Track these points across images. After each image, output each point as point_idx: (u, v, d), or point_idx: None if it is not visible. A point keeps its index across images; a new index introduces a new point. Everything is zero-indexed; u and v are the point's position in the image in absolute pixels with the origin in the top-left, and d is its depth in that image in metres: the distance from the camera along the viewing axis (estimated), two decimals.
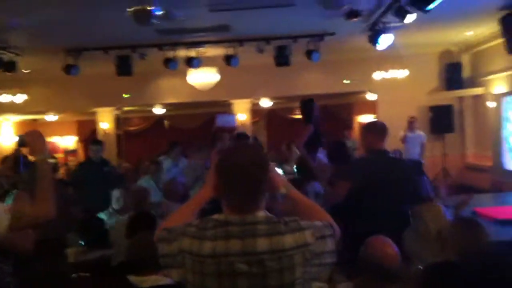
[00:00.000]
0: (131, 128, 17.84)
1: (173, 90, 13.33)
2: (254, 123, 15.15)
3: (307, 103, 6.40)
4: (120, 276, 3.16)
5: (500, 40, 9.79)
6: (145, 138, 17.70)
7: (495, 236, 4.93)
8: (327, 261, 1.82)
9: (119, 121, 15.90)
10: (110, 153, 13.02)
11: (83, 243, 5.31)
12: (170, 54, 10.17)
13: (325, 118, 17.84)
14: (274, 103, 16.06)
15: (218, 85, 11.76)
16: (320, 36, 9.92)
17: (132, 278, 3.05)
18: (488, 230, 2.92)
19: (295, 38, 9.82)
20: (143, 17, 7.04)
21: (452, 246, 2.89)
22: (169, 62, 10.19)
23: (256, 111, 15.74)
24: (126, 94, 13.25)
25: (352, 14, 7.91)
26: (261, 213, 1.80)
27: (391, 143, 11.25)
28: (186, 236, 1.80)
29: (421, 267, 3.05)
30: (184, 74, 11.47)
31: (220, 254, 1.72)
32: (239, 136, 7.38)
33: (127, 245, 3.45)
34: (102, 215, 6.12)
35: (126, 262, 3.38)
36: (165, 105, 15.32)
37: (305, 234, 1.76)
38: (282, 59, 10.24)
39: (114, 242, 4.77)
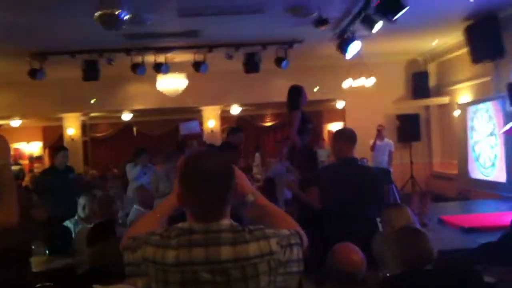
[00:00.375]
0: (98, 135, 17.58)
1: (141, 96, 13.19)
2: (223, 130, 15.13)
3: (294, 90, 6.46)
4: (85, 285, 3.09)
5: (465, 50, 10.02)
6: (113, 145, 17.48)
7: (461, 244, 5.02)
8: (293, 270, 1.79)
9: (86, 127, 15.66)
10: (76, 159, 12.80)
11: (47, 252, 5.17)
12: (138, 59, 10.06)
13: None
14: (243, 110, 16.07)
15: (187, 91, 11.69)
16: (289, 44, 9.98)
17: (97, 287, 2.99)
18: (430, 238, 2.91)
19: (264, 45, 9.86)
20: (111, 21, 6.93)
21: (393, 256, 2.90)
22: (137, 67, 10.08)
23: (225, 118, 15.73)
24: (93, 99, 13.04)
25: (321, 22, 7.98)
26: (226, 221, 1.77)
27: (360, 151, 11.35)
28: (149, 244, 1.77)
29: (388, 274, 3.06)
30: (153, 80, 11.36)
31: (183, 262, 1.70)
32: (233, 130, 7.36)
33: (90, 253, 3.39)
34: (68, 223, 5.98)
35: (91, 270, 3.31)
36: (133, 111, 15.15)
37: (270, 242, 1.74)
38: (251, 66, 10.25)
39: (78, 251, 4.67)
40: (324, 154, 12.64)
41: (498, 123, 8.95)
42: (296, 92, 6.49)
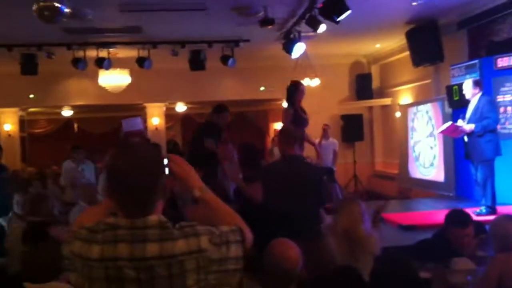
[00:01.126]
0: (37, 131, 16.97)
1: (83, 91, 12.81)
2: (168, 127, 14.96)
3: (291, 85, 6.66)
4: (16, 285, 3.02)
5: (406, 53, 10.29)
6: (52, 142, 16.88)
7: (399, 241, 5.14)
8: (229, 268, 1.76)
9: (24, 123, 15.08)
10: (13, 156, 12.32)
11: None
12: (79, 54, 9.77)
13: (241, 124, 18.03)
14: (189, 107, 15.93)
15: (131, 87, 11.45)
16: (235, 42, 9.93)
17: (29, 286, 2.95)
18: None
19: (210, 43, 9.75)
20: (50, 15, 6.67)
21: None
22: (78, 62, 9.78)
23: (171, 115, 15.54)
24: (31, 94, 12.56)
25: (266, 22, 8.00)
26: (154, 217, 1.72)
27: (305, 150, 11.36)
28: (77, 239, 1.75)
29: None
30: (95, 75, 11.07)
31: (107, 258, 1.67)
32: (218, 108, 6.76)
33: (21, 254, 3.29)
34: (1, 221, 5.75)
35: (22, 271, 3.19)
36: (74, 107, 14.71)
37: (200, 239, 1.71)
38: (197, 63, 10.14)
39: (11, 249, 4.49)
40: (279, 153, 12.73)
41: (437, 124, 9.22)
42: (292, 88, 6.67)
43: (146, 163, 1.75)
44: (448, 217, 3.75)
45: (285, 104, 14.26)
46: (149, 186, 1.73)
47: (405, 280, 2.75)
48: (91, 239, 1.70)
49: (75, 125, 17.09)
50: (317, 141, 11.14)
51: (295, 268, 2.71)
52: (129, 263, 1.65)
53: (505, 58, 7.84)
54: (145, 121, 13.70)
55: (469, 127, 6.52)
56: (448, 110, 8.70)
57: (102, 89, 11.40)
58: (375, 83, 13.07)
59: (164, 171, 1.80)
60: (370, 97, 12.95)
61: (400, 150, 11.05)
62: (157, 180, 1.74)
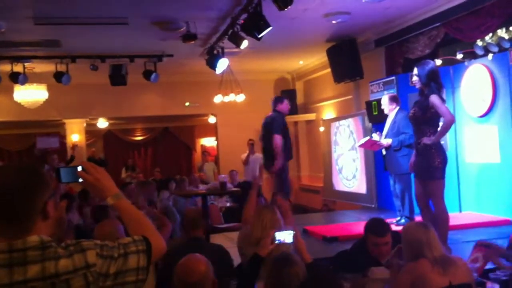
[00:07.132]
0: None
1: None
2: (89, 144, 14.48)
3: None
4: None
5: (328, 70, 10.54)
6: None
7: (323, 252, 5.20)
8: (128, 280, 1.68)
9: None
10: None
11: None
12: None
13: (167, 140, 17.79)
14: (111, 123, 15.54)
15: (49, 103, 11.01)
16: (158, 57, 9.79)
17: None
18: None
19: (131, 57, 9.55)
20: None
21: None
22: None
23: (92, 131, 15.08)
24: None
25: (189, 37, 7.94)
26: (34, 238, 1.62)
27: (232, 165, 11.36)
28: None
29: None
30: (10, 91, 10.55)
31: None
32: (279, 98, 8.52)
33: None
34: None
35: None
36: None
37: (87, 255, 1.64)
38: (118, 78, 9.85)
39: None
40: (210, 168, 12.75)
41: (359, 138, 9.48)
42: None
43: (13, 181, 1.63)
44: (367, 226, 3.80)
45: (211, 119, 14.28)
46: (23, 205, 1.62)
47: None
48: None
49: None
50: (244, 156, 11.21)
51: (203, 280, 2.61)
52: None
53: None
54: (64, 137, 13.24)
55: (386, 141, 6.73)
56: (368, 124, 8.97)
57: (18, 105, 10.88)
58: (300, 99, 13.30)
59: (45, 189, 1.68)
60: (295, 112, 13.12)
61: (324, 164, 11.27)
62: (28, 199, 1.64)
